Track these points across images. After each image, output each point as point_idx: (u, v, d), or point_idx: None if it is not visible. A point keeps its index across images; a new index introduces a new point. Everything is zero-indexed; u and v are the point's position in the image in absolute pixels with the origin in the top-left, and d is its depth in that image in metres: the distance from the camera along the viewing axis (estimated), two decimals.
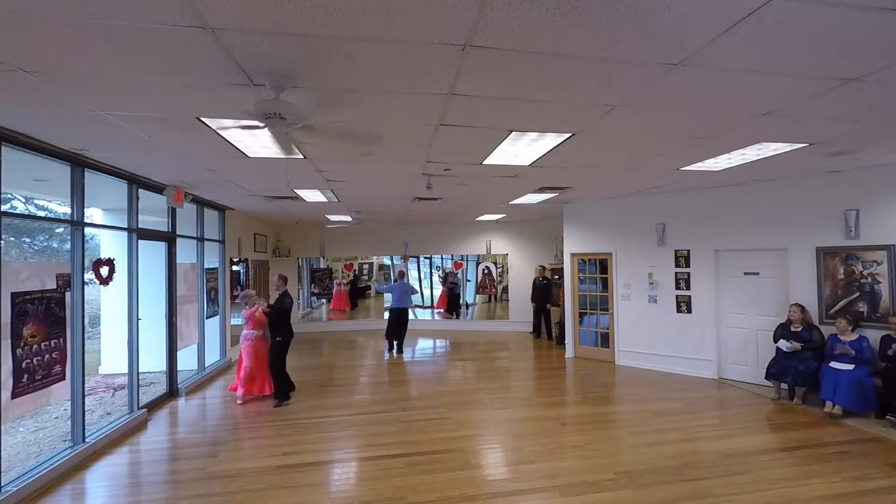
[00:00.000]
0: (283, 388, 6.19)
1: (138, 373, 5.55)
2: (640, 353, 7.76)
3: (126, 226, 5.53)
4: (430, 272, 13.14)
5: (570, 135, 3.98)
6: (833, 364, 5.38)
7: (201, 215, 7.49)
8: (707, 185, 6.74)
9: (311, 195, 7.01)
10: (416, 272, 13.20)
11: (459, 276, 12.97)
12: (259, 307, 6.33)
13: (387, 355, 9.24)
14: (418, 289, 11.81)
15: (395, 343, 9.35)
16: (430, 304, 13.07)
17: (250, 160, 4.73)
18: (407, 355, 9.29)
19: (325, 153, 4.58)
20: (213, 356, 8.01)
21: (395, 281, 9.77)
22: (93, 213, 7.45)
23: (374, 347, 10.12)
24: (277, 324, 6.23)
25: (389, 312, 9.48)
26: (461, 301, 12.83)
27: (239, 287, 9.42)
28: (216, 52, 2.39)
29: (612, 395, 6.38)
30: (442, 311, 12.86)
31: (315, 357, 9.23)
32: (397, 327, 9.33)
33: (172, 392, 6.50)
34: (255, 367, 6.29)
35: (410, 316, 10.40)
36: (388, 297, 10.48)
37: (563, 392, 6.60)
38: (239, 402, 6.12)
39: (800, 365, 5.64)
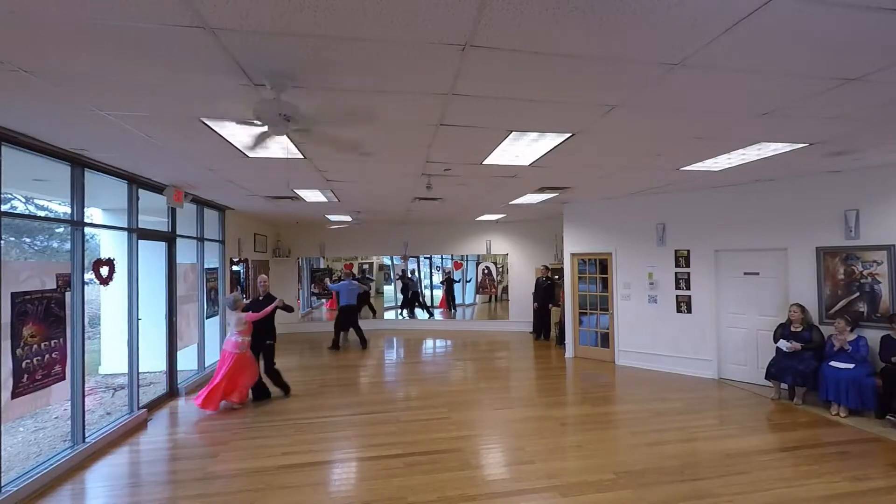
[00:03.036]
0: (264, 390, 6.24)
1: (138, 373, 5.55)
2: (640, 353, 7.76)
3: (126, 226, 5.53)
4: (431, 272, 13.15)
5: (570, 135, 3.98)
6: (833, 363, 5.39)
7: (201, 215, 7.49)
8: (707, 185, 6.74)
9: (311, 195, 7.01)
10: (416, 272, 13.21)
11: (416, 275, 13.14)
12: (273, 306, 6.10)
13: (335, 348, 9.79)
14: (367, 288, 11.91)
15: (340, 336, 9.94)
16: (430, 305, 13.10)
17: (250, 160, 4.73)
18: (407, 355, 9.30)
19: (324, 153, 4.58)
20: (213, 356, 7.97)
21: (341, 280, 10.38)
22: (93, 213, 7.45)
23: (374, 347, 10.12)
24: (268, 326, 6.24)
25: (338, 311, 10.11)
26: (420, 300, 12.99)
27: (239, 287, 9.42)
28: (216, 52, 2.39)
29: (612, 395, 6.38)
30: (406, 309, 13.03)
31: (315, 357, 9.22)
32: (345, 324, 9.88)
33: (172, 392, 6.49)
34: (243, 376, 5.93)
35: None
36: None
37: (563, 392, 6.60)
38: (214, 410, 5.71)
39: (800, 365, 5.64)
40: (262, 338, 6.20)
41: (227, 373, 5.76)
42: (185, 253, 7.02)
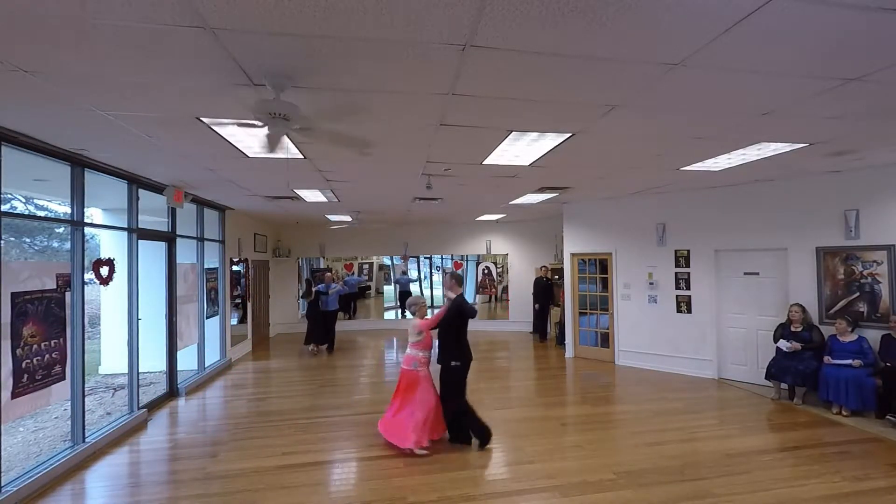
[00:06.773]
0: (462, 432, 4.60)
1: (138, 373, 5.55)
2: (640, 353, 7.76)
3: (126, 226, 5.53)
4: (431, 272, 13.15)
5: (570, 135, 3.98)
6: (837, 362, 5.36)
7: (201, 215, 7.49)
8: (707, 185, 6.74)
9: (311, 195, 7.01)
10: (417, 272, 13.21)
11: (410, 275, 13.03)
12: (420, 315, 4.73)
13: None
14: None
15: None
16: (430, 305, 13.10)
17: (250, 160, 4.72)
18: None
19: (324, 153, 4.58)
20: (213, 356, 8.01)
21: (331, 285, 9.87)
22: (93, 213, 7.45)
23: (374, 348, 10.12)
24: (455, 339, 4.68)
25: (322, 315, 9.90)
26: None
27: (239, 287, 9.41)
28: (216, 52, 2.39)
29: (612, 395, 6.38)
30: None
31: (315, 357, 9.22)
32: (328, 329, 9.69)
33: (172, 392, 6.49)
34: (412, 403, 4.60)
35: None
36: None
37: (563, 392, 6.60)
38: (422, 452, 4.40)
39: (800, 365, 5.64)
40: (447, 356, 4.63)
41: (401, 395, 4.67)
42: (185, 253, 7.02)
